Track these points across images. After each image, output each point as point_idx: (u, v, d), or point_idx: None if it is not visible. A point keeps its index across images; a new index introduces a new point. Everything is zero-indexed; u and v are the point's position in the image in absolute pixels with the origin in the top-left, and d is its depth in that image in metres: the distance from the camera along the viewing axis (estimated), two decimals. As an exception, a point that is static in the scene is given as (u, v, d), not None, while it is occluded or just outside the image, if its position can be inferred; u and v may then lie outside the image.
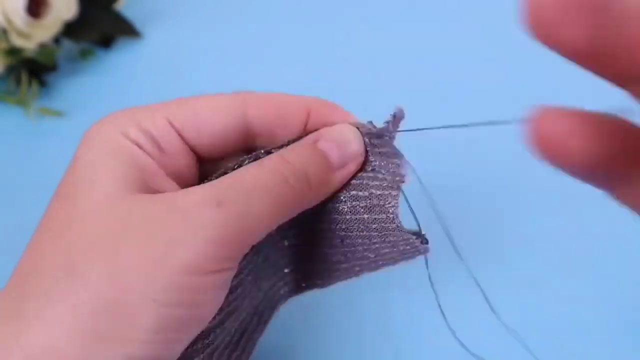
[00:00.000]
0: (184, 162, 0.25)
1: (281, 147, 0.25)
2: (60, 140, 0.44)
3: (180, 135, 0.25)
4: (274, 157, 0.24)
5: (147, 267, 0.21)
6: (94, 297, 0.20)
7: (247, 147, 0.26)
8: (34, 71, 0.46)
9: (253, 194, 0.22)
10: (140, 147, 0.24)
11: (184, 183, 0.25)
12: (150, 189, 0.23)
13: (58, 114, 0.45)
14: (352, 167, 0.25)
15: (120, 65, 0.50)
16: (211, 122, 0.25)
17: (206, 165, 0.26)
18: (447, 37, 0.53)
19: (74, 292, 0.20)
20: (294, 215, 0.24)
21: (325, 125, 0.25)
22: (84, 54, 0.50)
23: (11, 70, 0.46)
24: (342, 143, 0.25)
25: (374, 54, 0.51)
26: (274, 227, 0.23)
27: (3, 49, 0.44)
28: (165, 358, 0.22)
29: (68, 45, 0.50)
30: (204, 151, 0.26)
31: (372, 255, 0.27)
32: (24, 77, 0.45)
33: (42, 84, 0.47)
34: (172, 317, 0.21)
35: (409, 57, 0.51)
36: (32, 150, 0.43)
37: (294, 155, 0.24)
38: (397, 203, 0.25)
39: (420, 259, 0.27)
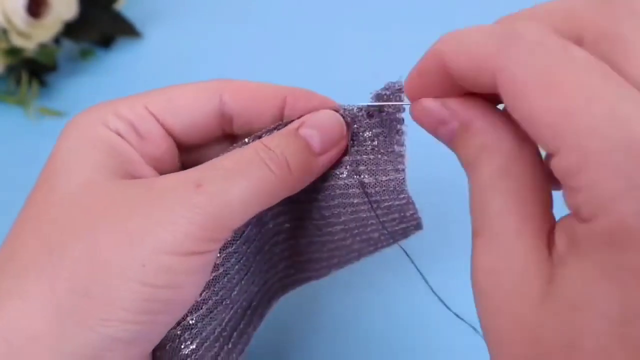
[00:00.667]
0: (164, 147, 0.25)
1: (265, 134, 0.25)
2: (60, 140, 0.44)
3: (157, 120, 0.25)
4: (255, 142, 0.24)
5: (124, 247, 0.20)
6: (70, 275, 0.20)
7: (225, 133, 0.27)
8: (34, 71, 0.46)
9: (232, 177, 0.22)
10: (119, 134, 0.24)
11: (166, 170, 0.25)
12: (129, 176, 0.23)
13: (58, 114, 0.45)
14: (334, 152, 0.25)
15: (120, 65, 0.50)
16: (187, 106, 0.25)
17: (187, 154, 0.26)
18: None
19: (51, 270, 0.20)
20: (276, 200, 0.24)
21: (308, 112, 0.25)
22: (84, 54, 0.50)
23: (11, 70, 0.46)
24: (324, 129, 0.25)
25: (374, 54, 0.51)
26: (255, 212, 0.23)
27: (3, 49, 0.44)
28: (147, 339, 0.22)
29: (68, 45, 0.50)
30: (183, 136, 0.26)
31: (365, 238, 0.27)
32: (24, 77, 0.45)
33: (42, 84, 0.47)
34: (151, 297, 0.21)
35: (409, 56, 0.51)
36: (32, 150, 0.43)
37: (274, 142, 0.24)
38: (401, 179, 0.25)
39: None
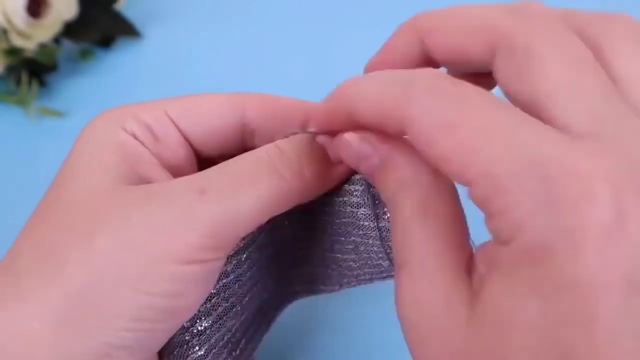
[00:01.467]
0: (182, 153, 0.25)
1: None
2: (60, 140, 0.44)
3: (176, 125, 0.24)
4: (268, 145, 0.23)
5: (122, 254, 0.20)
6: (66, 281, 0.20)
7: (246, 147, 0.26)
8: (34, 71, 0.46)
9: (240, 184, 0.21)
10: (135, 137, 0.24)
11: (182, 175, 0.24)
12: (142, 180, 0.23)
13: (58, 114, 0.45)
14: (345, 167, 0.24)
15: (120, 65, 0.50)
16: (207, 115, 0.25)
17: (207, 165, 0.26)
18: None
19: (48, 275, 0.20)
20: (286, 209, 0.23)
21: (329, 131, 0.24)
22: (84, 54, 0.50)
23: (11, 70, 0.46)
24: (343, 141, 0.23)
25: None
26: (264, 220, 0.22)
27: (3, 49, 0.44)
28: (147, 346, 0.21)
29: (68, 45, 0.50)
30: (202, 146, 0.25)
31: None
32: (24, 77, 0.45)
33: (42, 84, 0.47)
34: (149, 305, 0.20)
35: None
36: (32, 150, 0.43)
37: (288, 145, 0.23)
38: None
39: None
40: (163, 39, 0.52)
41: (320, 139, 0.23)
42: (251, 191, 0.21)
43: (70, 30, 0.47)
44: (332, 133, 0.22)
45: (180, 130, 0.25)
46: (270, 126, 0.25)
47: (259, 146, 0.25)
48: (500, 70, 0.18)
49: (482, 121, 0.16)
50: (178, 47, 0.51)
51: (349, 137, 0.21)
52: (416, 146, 0.18)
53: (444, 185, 0.19)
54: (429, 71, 0.18)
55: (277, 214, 0.22)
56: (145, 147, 0.24)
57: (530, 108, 0.17)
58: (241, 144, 0.26)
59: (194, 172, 0.25)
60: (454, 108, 0.17)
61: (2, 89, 0.47)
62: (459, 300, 0.17)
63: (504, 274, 0.16)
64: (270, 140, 0.25)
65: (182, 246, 0.20)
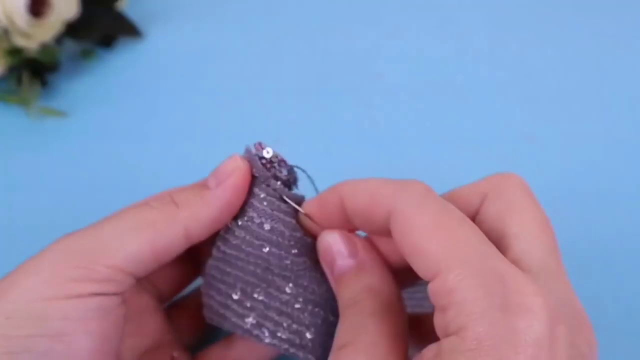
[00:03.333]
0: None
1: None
2: (62, 140, 0.44)
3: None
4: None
5: None
6: None
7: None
8: (36, 71, 0.46)
9: (100, 221, 0.23)
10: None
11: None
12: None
13: (60, 113, 0.45)
14: (232, 182, 0.24)
15: (121, 65, 0.50)
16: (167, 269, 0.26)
17: None
18: (447, 37, 0.53)
19: None
20: (173, 233, 0.23)
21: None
22: (86, 54, 0.50)
23: (13, 70, 0.46)
24: (218, 169, 0.25)
25: (375, 55, 0.51)
26: (146, 246, 0.22)
27: (5, 48, 0.44)
28: None
29: (70, 45, 0.49)
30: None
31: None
32: (26, 77, 0.45)
33: (44, 83, 0.47)
34: (21, 349, 0.20)
35: (410, 57, 0.51)
36: (33, 150, 0.43)
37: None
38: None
39: None
40: (164, 38, 0.52)
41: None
42: (111, 222, 0.23)
43: (72, 30, 0.47)
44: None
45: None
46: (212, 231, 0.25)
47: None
48: (393, 232, 0.22)
49: (459, 230, 0.20)
50: (179, 47, 0.51)
51: (332, 237, 0.24)
52: (396, 234, 0.21)
53: (397, 291, 0.23)
54: (421, 183, 0.22)
55: (158, 239, 0.23)
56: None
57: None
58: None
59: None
60: (440, 213, 0.20)
61: (3, 89, 0.47)
62: None
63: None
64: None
65: (45, 281, 0.21)
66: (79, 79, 0.48)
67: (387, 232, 0.22)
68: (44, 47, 0.45)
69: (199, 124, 0.45)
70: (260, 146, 0.26)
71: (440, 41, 0.52)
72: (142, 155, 0.43)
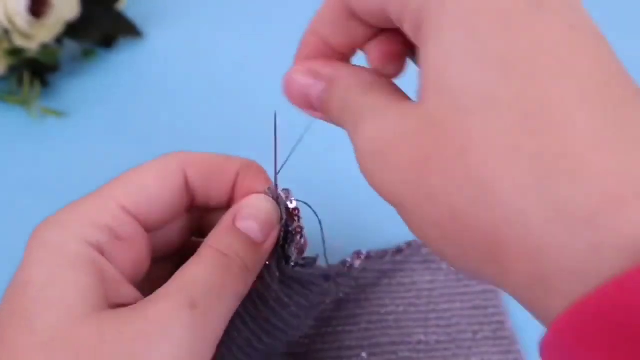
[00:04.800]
0: (142, 245, 0.25)
1: None
2: (62, 140, 0.44)
3: (136, 218, 0.24)
4: (207, 250, 0.24)
5: None
6: None
7: (186, 208, 0.27)
8: (36, 71, 0.46)
9: (223, 294, 0.23)
10: (101, 249, 0.23)
11: (141, 267, 0.25)
12: (111, 300, 0.22)
13: (60, 114, 0.45)
14: (275, 234, 0.26)
15: (122, 65, 0.50)
16: (160, 194, 0.25)
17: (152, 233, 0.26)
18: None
19: None
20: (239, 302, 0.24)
21: (249, 192, 0.26)
22: (86, 54, 0.50)
23: (13, 70, 0.46)
24: (261, 218, 0.25)
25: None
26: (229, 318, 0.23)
27: (5, 49, 0.44)
28: None
29: (70, 45, 0.50)
30: (155, 224, 0.26)
31: None
32: (26, 77, 0.45)
33: (44, 84, 0.47)
34: None
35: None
36: (34, 150, 0.43)
37: (223, 244, 0.24)
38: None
39: None
40: (165, 38, 0.52)
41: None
42: (225, 299, 0.23)
43: (72, 30, 0.47)
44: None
45: (141, 223, 0.25)
46: (209, 185, 0.26)
47: (199, 203, 0.26)
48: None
49: None
50: (180, 47, 0.51)
51: (295, 74, 0.24)
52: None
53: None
54: None
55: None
56: (111, 256, 0.23)
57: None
58: (183, 206, 0.26)
59: (148, 252, 0.25)
60: None
61: (4, 89, 0.47)
62: (408, 106, 0.19)
63: (438, 37, 0.17)
64: (207, 199, 0.26)
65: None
66: (79, 79, 0.49)
67: None
68: (45, 48, 0.45)
69: (199, 124, 0.45)
70: (289, 194, 0.27)
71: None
72: (143, 155, 0.42)
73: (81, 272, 0.21)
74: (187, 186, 0.26)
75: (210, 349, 0.22)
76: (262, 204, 0.26)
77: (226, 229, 0.25)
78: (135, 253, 0.25)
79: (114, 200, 0.24)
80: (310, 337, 0.32)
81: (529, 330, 0.33)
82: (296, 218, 0.26)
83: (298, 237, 0.26)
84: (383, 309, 0.33)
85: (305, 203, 0.27)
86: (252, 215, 0.25)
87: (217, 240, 0.25)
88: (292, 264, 0.26)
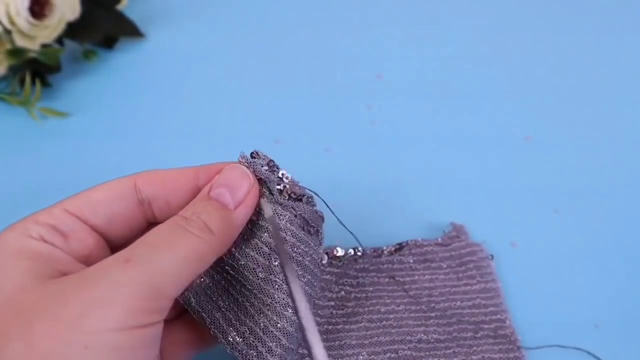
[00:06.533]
0: (91, 243, 0.26)
1: None
2: (63, 141, 0.44)
3: (79, 218, 0.26)
4: (173, 217, 0.25)
5: (62, 333, 0.21)
6: None
7: (149, 222, 0.28)
8: (38, 72, 0.46)
9: (158, 248, 0.23)
10: (43, 239, 0.25)
11: (90, 250, 0.26)
12: (62, 275, 0.24)
13: (61, 114, 0.46)
14: (250, 200, 0.27)
15: (123, 65, 0.50)
16: (105, 200, 0.27)
17: (120, 249, 0.27)
18: (446, 37, 0.53)
19: None
20: (209, 263, 0.25)
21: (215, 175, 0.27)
22: (87, 55, 0.50)
23: (15, 70, 0.46)
24: (231, 183, 0.26)
25: (376, 56, 0.51)
26: (191, 279, 0.24)
27: (7, 49, 0.44)
28: None
29: (71, 46, 0.50)
30: (109, 231, 0.27)
31: None
32: (28, 77, 0.45)
33: (46, 84, 0.47)
34: None
35: (409, 57, 0.51)
36: (35, 150, 0.43)
37: (189, 210, 0.26)
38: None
39: None
40: (166, 39, 0.52)
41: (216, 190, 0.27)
42: (168, 252, 0.23)
43: (73, 31, 0.47)
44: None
45: (84, 222, 0.26)
46: (162, 192, 0.27)
47: (160, 218, 0.28)
48: None
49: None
50: (180, 48, 0.52)
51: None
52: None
53: None
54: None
55: (201, 270, 0.25)
56: (56, 247, 0.25)
57: None
58: (145, 220, 0.28)
59: (99, 244, 0.27)
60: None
61: (5, 90, 0.47)
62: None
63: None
64: (167, 207, 0.28)
65: (121, 313, 0.21)
66: (80, 79, 0.49)
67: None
68: (46, 48, 0.46)
69: (199, 124, 0.45)
70: (258, 155, 0.28)
71: (440, 41, 0.53)
72: (143, 155, 0.43)
73: (23, 258, 0.24)
74: (142, 200, 0.27)
75: (152, 303, 0.22)
76: (232, 171, 0.27)
77: (197, 198, 0.27)
78: (86, 249, 0.26)
79: (59, 205, 0.26)
80: None
81: (529, 329, 0.34)
82: (276, 168, 0.28)
83: (285, 179, 0.27)
84: (383, 307, 0.33)
85: (314, 192, 0.28)
86: (223, 182, 0.26)
87: (184, 209, 0.26)
88: (286, 196, 0.27)
